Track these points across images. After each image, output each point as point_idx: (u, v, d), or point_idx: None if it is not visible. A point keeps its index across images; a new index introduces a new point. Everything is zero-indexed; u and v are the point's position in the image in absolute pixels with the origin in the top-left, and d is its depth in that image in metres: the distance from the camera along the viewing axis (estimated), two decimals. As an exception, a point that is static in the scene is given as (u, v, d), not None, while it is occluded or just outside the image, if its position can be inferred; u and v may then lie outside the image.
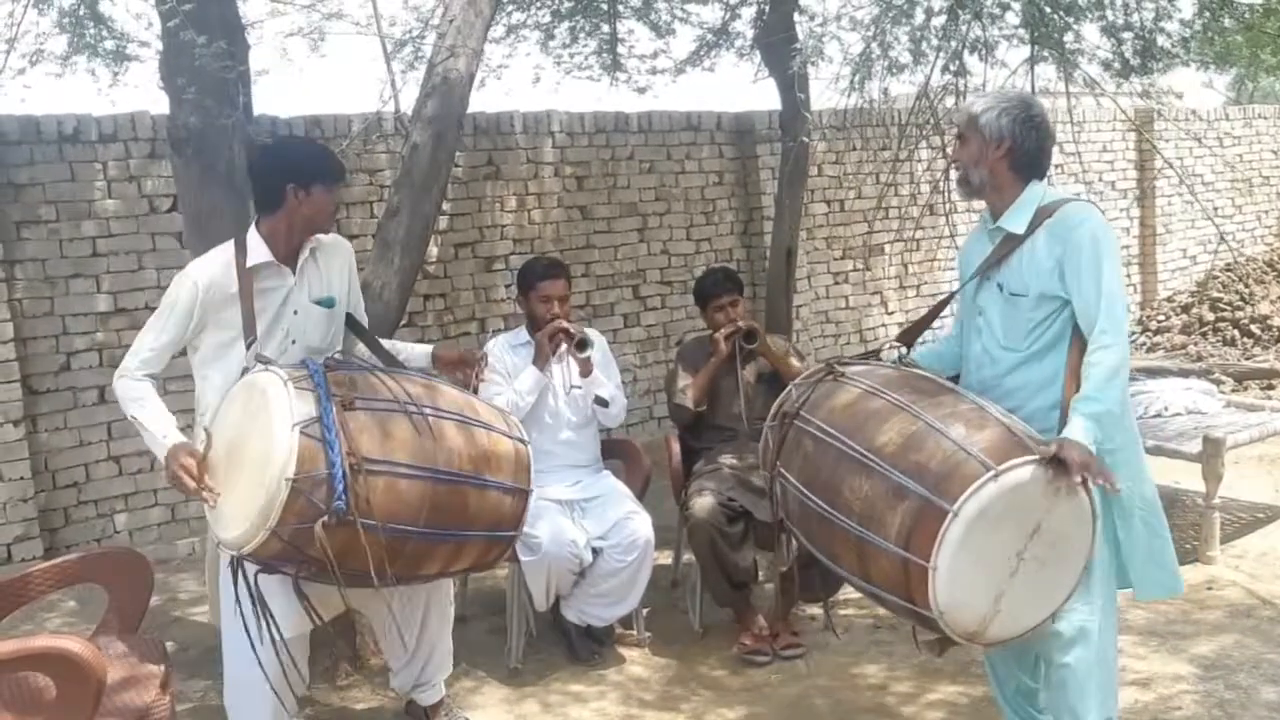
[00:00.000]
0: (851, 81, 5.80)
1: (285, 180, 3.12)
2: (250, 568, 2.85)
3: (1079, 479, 2.47)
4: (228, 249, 3.18)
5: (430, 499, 2.85)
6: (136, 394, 3.03)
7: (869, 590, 2.75)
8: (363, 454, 2.74)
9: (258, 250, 3.14)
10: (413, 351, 3.53)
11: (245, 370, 3.00)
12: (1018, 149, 2.80)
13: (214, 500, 2.81)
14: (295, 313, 3.20)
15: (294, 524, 2.66)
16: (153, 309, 5.37)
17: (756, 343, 4.35)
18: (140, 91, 7.83)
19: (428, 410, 2.93)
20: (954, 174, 2.86)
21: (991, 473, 2.45)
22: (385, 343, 3.47)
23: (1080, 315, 2.69)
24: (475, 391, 3.49)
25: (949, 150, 6.14)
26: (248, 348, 3.08)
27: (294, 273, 3.20)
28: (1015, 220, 2.80)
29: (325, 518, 2.65)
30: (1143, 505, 2.75)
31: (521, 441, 3.12)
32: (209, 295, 3.09)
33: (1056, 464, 2.49)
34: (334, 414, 2.74)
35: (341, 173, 3.25)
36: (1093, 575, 2.67)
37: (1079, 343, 2.70)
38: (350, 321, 3.41)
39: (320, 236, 3.29)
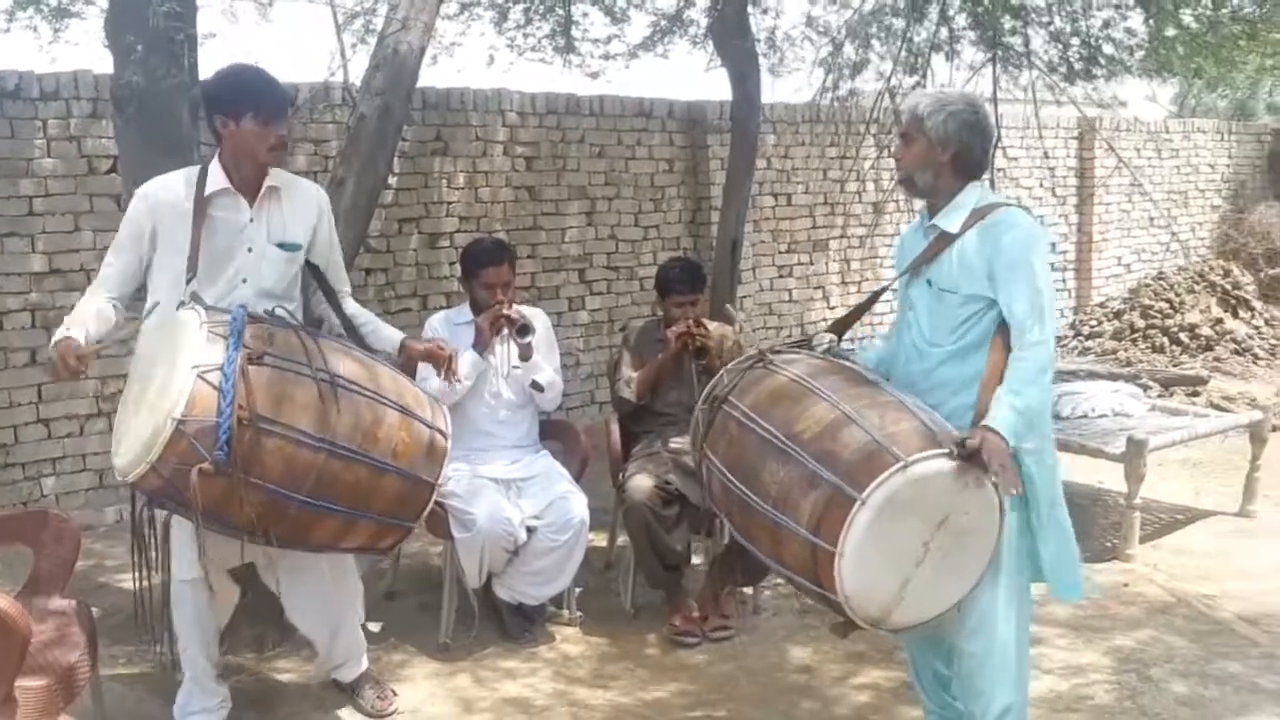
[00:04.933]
0: (824, 83, 5.89)
1: (212, 112, 3.08)
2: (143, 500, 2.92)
3: (993, 475, 2.53)
4: (192, 171, 3.13)
5: (319, 470, 2.79)
6: (78, 305, 3.00)
7: (782, 572, 2.82)
8: (257, 411, 2.71)
9: (216, 177, 3.08)
10: (384, 334, 3.40)
11: (182, 305, 2.94)
12: (963, 153, 2.82)
13: (69, 377, 2.83)
14: (250, 250, 3.13)
15: (175, 464, 2.67)
16: (88, 271, 5.35)
17: (705, 359, 4.32)
18: (80, 49, 7.64)
19: (342, 382, 2.86)
20: (897, 174, 2.88)
21: (901, 464, 2.51)
22: (363, 314, 3.39)
23: (1008, 317, 2.72)
24: (449, 384, 3.48)
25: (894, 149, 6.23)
26: (187, 283, 3.02)
27: (251, 207, 3.13)
28: (950, 219, 2.83)
29: (204, 464, 2.64)
30: (1054, 503, 2.80)
31: (441, 434, 3.05)
32: (159, 211, 3.05)
33: (968, 457, 2.54)
34: (237, 364, 2.71)
35: (274, 105, 3.08)
36: (1000, 565, 2.70)
37: (1002, 344, 2.74)
38: (317, 276, 3.31)
39: (285, 176, 3.21)
